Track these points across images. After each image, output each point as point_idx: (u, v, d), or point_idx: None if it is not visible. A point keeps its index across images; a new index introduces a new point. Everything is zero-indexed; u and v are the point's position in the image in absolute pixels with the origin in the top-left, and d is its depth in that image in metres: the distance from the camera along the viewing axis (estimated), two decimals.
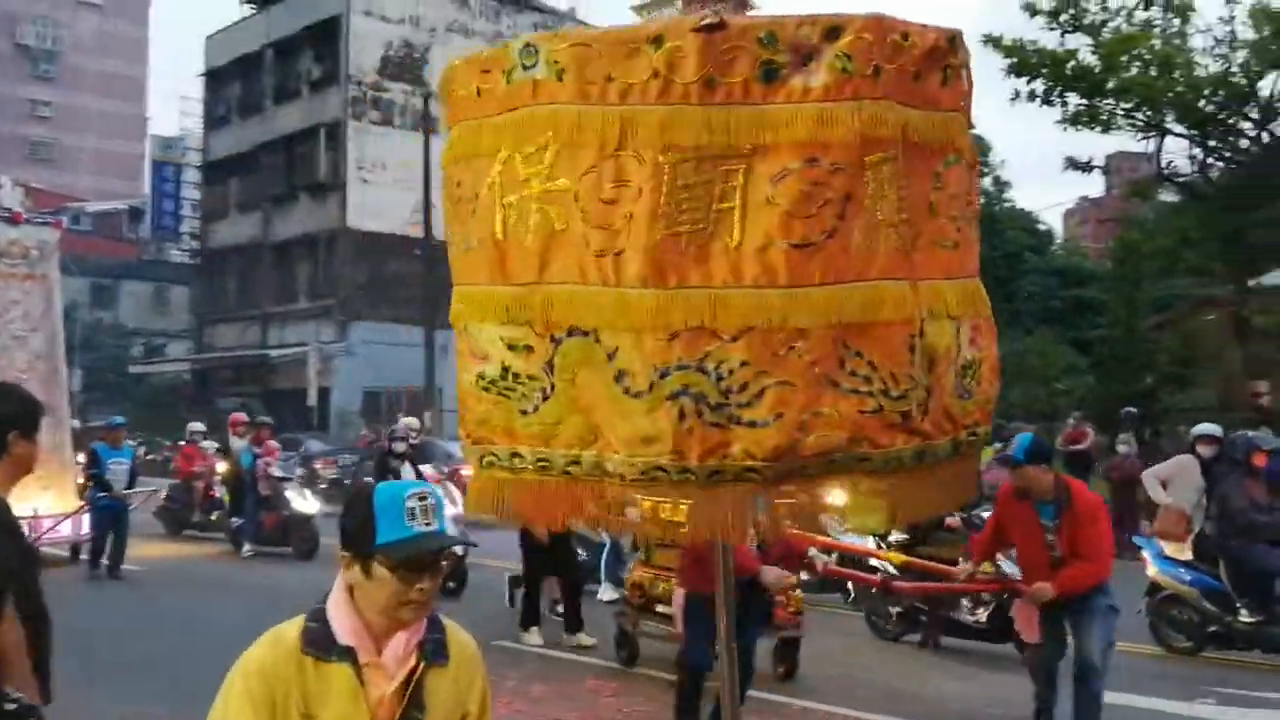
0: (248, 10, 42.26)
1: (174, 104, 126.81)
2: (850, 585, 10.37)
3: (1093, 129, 21.36)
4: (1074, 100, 21.02)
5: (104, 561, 12.89)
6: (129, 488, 13.29)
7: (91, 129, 62.35)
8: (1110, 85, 20.20)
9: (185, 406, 40.48)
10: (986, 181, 33.28)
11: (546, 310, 2.75)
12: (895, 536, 9.39)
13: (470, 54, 3.01)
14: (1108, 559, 6.05)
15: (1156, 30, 21.13)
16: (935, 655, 8.99)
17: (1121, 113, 21.09)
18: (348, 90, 36.74)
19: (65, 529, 12.88)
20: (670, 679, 7.03)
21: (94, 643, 8.99)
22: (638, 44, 2.63)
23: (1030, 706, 6.53)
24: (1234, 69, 20.27)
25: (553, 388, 2.77)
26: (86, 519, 13.01)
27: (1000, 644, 8.43)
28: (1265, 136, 20.91)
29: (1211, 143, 21.48)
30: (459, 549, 10.38)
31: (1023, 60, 20.88)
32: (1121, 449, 16.73)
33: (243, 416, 16.86)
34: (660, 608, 7.83)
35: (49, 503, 12.74)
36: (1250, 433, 9.65)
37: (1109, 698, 6.26)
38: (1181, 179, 23.01)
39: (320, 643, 2.22)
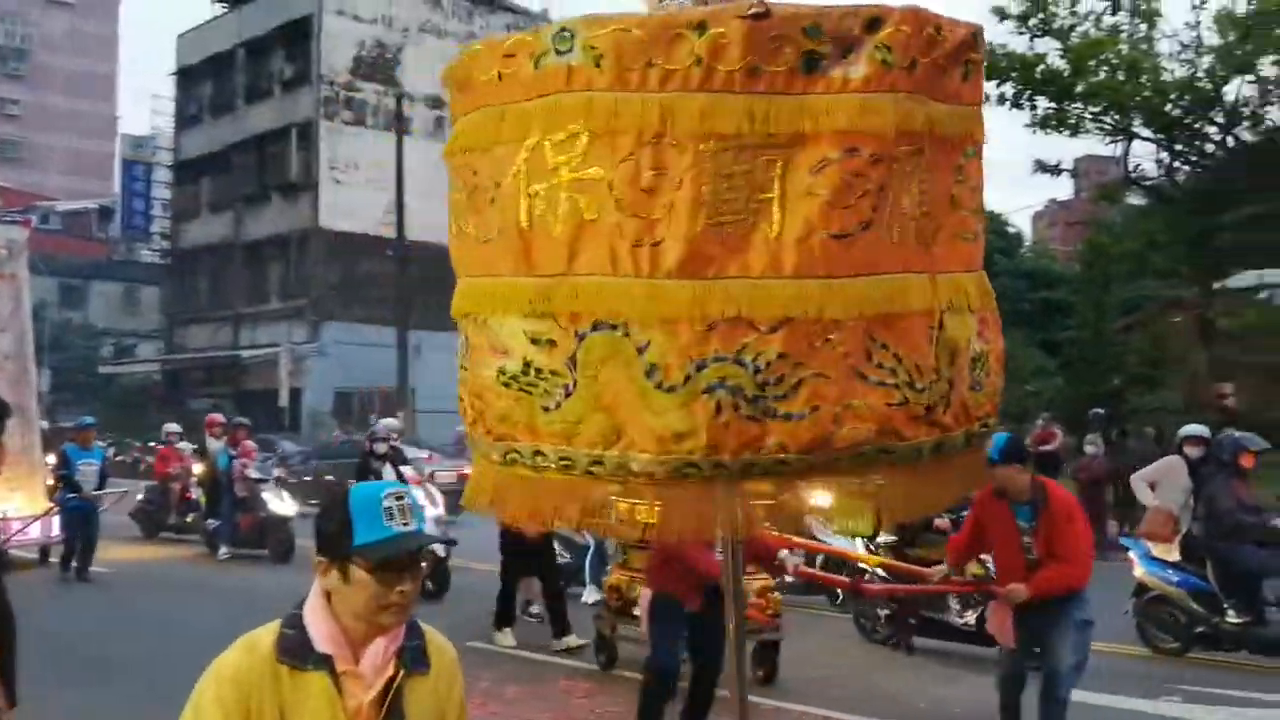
0: (219, 9, 42.02)
1: (145, 103, 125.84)
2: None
3: (1061, 132, 21.57)
4: (1043, 104, 21.21)
5: (74, 564, 12.77)
6: (99, 489, 13.15)
7: (61, 128, 61.72)
8: (1079, 89, 20.40)
9: (156, 407, 40.21)
10: None
11: (573, 302, 2.67)
12: (883, 538, 9.32)
13: (490, 39, 2.92)
14: (1086, 560, 5.90)
15: (1124, 35, 21.36)
16: (923, 658, 8.89)
17: (1090, 116, 21.31)
18: (320, 90, 36.57)
19: (35, 531, 12.79)
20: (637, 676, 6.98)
21: (65, 646, 8.95)
22: (681, 30, 2.58)
23: None
24: (1200, 74, 20.52)
25: (575, 384, 2.70)
26: (56, 521, 12.91)
27: (988, 647, 8.38)
28: (1230, 141, 21.19)
29: (1178, 147, 21.74)
30: (440, 550, 10.38)
31: (992, 64, 21.04)
32: (1089, 450, 16.89)
33: (219, 417, 16.70)
34: (638, 611, 7.82)
35: (18, 505, 12.67)
36: (1237, 433, 9.55)
37: (1089, 698, 6.22)
38: (1149, 182, 23.28)
39: (296, 650, 2.15)
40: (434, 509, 11.87)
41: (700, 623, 5.95)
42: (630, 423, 2.67)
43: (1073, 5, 20.83)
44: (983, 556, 7.09)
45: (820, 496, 2.89)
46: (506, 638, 9.21)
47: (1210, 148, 21.66)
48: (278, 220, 37.67)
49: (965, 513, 8.85)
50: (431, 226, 36.12)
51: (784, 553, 6.55)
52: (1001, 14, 21.20)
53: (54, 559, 13.37)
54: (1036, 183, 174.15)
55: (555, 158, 2.68)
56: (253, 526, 14.54)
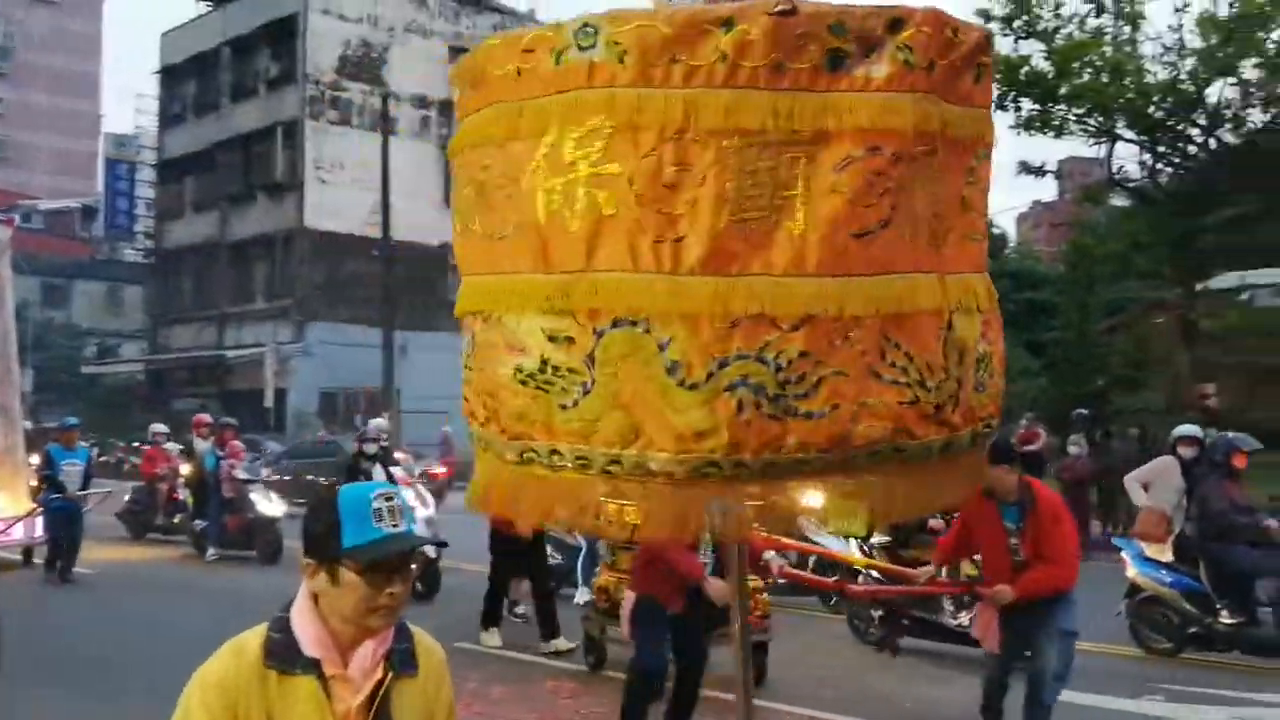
0: (204, 7, 41.89)
1: (129, 102, 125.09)
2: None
3: (1045, 134, 21.64)
4: (1027, 105, 21.28)
5: (59, 565, 12.70)
6: (83, 489, 13.09)
7: (44, 126, 61.33)
8: (1063, 91, 20.48)
9: (139, 408, 40.05)
10: None
11: (592, 299, 2.65)
12: (877, 539, 9.26)
13: (508, 34, 2.89)
14: (1073, 562, 5.86)
15: (1108, 37, 21.45)
16: (916, 659, 8.83)
17: (1074, 118, 21.38)
18: (305, 89, 36.50)
19: (18, 532, 12.70)
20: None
21: (49, 648, 8.91)
22: (707, 26, 2.57)
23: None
24: (1182, 76, 20.62)
25: (593, 382, 2.67)
26: (40, 522, 12.84)
27: (981, 648, 8.36)
28: (1212, 143, 21.31)
29: (1161, 149, 21.84)
30: (430, 551, 10.33)
31: None
32: (1073, 450, 16.98)
33: (206, 418, 16.60)
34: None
35: (1, 505, 12.60)
36: (1230, 434, 9.54)
37: (1082, 699, 6.19)
38: (1132, 184, 23.38)
39: (283, 654, 2.12)
40: (424, 510, 11.85)
41: (683, 624, 5.94)
42: (649, 421, 2.65)
43: (1057, 8, 20.92)
44: (977, 557, 6.99)
45: (813, 497, 2.86)
46: (493, 638, 9.20)
47: (1193, 150, 21.78)
48: (263, 220, 37.57)
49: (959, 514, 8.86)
50: (417, 227, 36.23)
51: (769, 554, 6.56)
52: (986, 16, 21.26)
53: (38, 560, 13.30)
54: (1021, 184, 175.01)
55: (574, 153, 2.66)
56: (240, 527, 14.48)
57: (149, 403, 39.45)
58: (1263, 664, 8.73)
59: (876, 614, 9.18)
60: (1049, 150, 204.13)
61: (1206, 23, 20.16)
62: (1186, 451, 10.19)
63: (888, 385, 2.68)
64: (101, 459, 32.37)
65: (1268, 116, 20.96)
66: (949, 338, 2.79)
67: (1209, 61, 20.09)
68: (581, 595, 10.56)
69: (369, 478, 11.21)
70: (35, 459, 13.70)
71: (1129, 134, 21.62)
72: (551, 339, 2.71)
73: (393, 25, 38.20)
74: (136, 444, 32.87)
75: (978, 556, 6.85)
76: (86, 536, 13.13)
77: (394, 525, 2.14)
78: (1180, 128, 21.34)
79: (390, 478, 11.60)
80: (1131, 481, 10.48)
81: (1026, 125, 21.51)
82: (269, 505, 14.53)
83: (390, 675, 2.17)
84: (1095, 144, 22.72)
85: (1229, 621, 8.81)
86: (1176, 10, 21.21)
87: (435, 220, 38.05)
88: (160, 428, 17.82)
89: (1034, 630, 5.87)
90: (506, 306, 2.83)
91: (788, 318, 2.59)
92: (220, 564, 14.18)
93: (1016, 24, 21.06)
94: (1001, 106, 21.41)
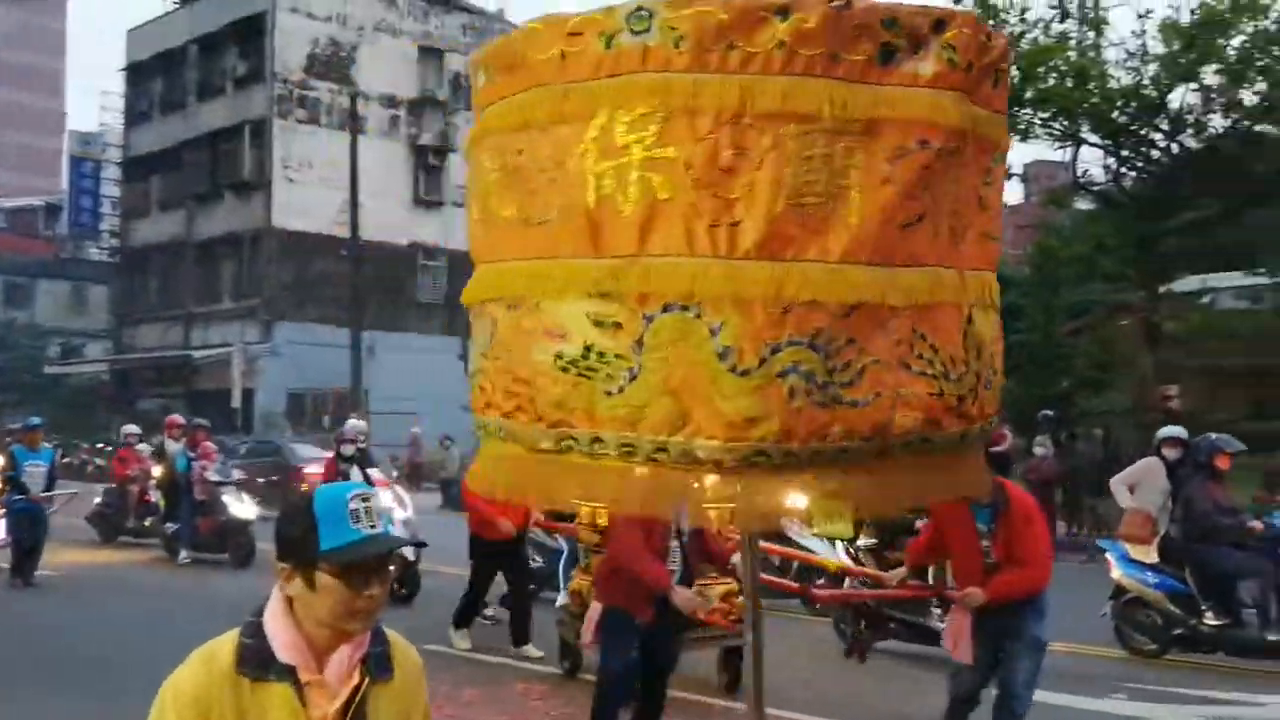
0: (171, 5, 41.52)
1: (93, 99, 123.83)
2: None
3: (1011, 137, 21.81)
4: None
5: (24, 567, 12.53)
6: (47, 490, 12.93)
7: (7, 123, 60.66)
8: (1028, 95, 20.66)
9: (104, 408, 39.67)
10: None
11: (643, 283, 2.62)
12: (863, 541, 9.18)
13: (550, 17, 2.83)
14: (1045, 563, 5.70)
15: (1072, 43, 21.67)
16: (898, 662, 8.73)
17: (1039, 122, 21.58)
18: (274, 88, 36.28)
19: None
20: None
21: (14, 652, 8.83)
22: (763, 13, 2.58)
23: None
24: (1145, 82, 20.85)
25: (641, 368, 2.62)
26: (2, 524, 12.69)
27: None
28: (1175, 148, 21.58)
29: (1124, 153, 22.08)
30: (409, 553, 10.28)
31: None
32: (1039, 451, 17.17)
33: (179, 419, 16.41)
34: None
35: None
36: (1214, 435, 9.52)
37: (1070, 700, 6.14)
38: (1096, 187, 23.63)
39: (257, 661, 2.07)
40: (403, 511, 11.76)
41: (653, 631, 5.80)
42: (699, 408, 2.61)
43: (1022, 13, 21.11)
44: None
45: (797, 497, 2.85)
46: (463, 640, 9.17)
47: (1156, 154, 22.05)
48: (230, 219, 37.31)
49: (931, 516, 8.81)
50: (386, 226, 36.12)
51: (736, 557, 6.44)
52: None
53: (2, 564, 13.13)
54: None
55: (626, 136, 2.63)
56: (213, 530, 14.31)
57: (114, 403, 39.11)
58: (1246, 665, 8.77)
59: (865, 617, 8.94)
60: (1015, 154, 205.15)
61: (1169, 29, 20.41)
62: (1171, 453, 10.14)
63: (916, 376, 2.71)
64: (65, 460, 32.02)
65: (1228, 122, 21.24)
66: (969, 332, 2.84)
67: (1171, 67, 20.35)
68: (563, 599, 10.50)
69: (346, 479, 11.08)
70: None
71: (1093, 138, 21.85)
72: (597, 324, 2.67)
73: (362, 24, 38.03)
74: (101, 445, 32.57)
75: None
76: (54, 539, 12.98)
77: (371, 526, 2.10)
78: (1143, 132, 21.59)
79: (368, 479, 11.49)
80: (1117, 484, 10.46)
81: None
82: (241, 508, 14.37)
83: (367, 680, 2.14)
84: (1060, 148, 22.95)
85: (1213, 623, 8.83)
86: (1139, 16, 21.61)
87: (404, 220, 37.99)
88: (132, 429, 17.63)
89: (1008, 637, 5.71)
90: (545, 292, 2.78)
91: (840, 306, 2.61)
92: (192, 567, 14.05)
93: None
94: None
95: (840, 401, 2.62)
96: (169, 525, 14.83)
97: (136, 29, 42.51)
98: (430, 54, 39.51)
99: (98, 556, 15.24)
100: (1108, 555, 9.66)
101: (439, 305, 38.65)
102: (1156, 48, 20.85)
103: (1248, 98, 20.53)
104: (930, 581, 7.67)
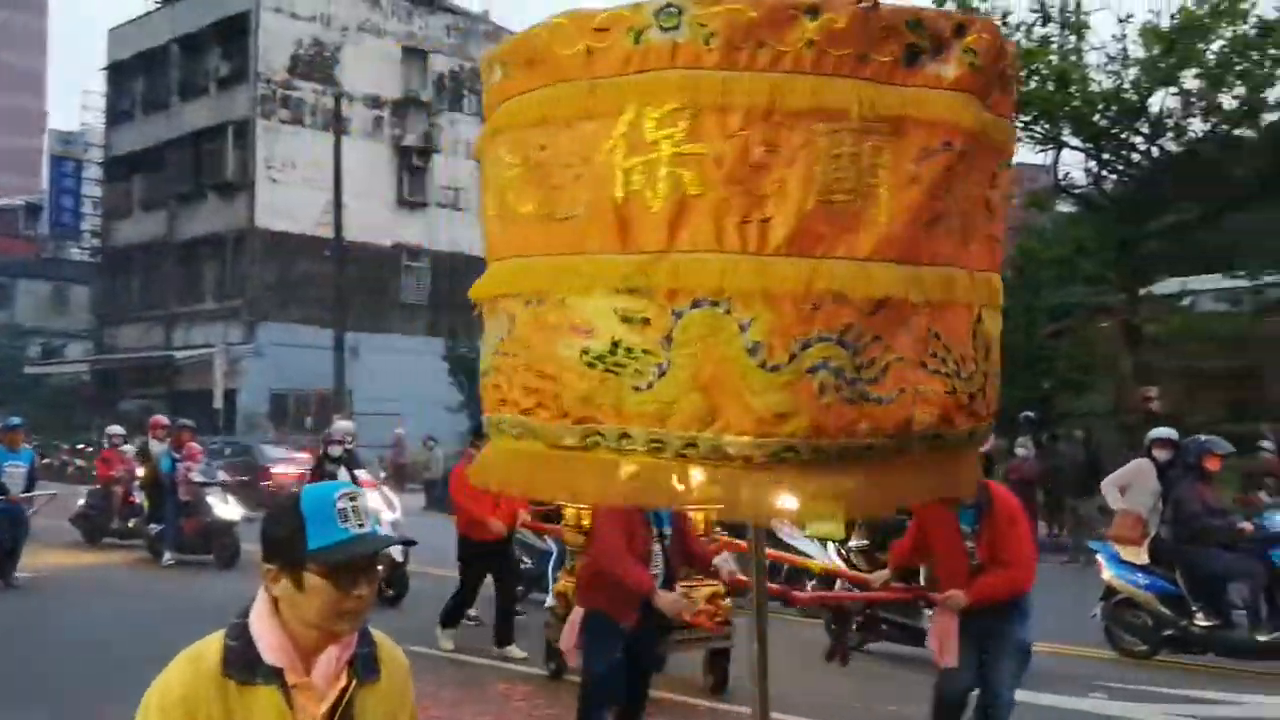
0: (152, 4, 41.35)
1: (74, 98, 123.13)
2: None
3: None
4: None
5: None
6: (27, 491, 12.88)
7: None
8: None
9: (85, 408, 39.45)
10: None
11: (672, 279, 2.62)
12: (855, 543, 9.12)
13: (574, 12, 2.83)
14: (1029, 564, 5.67)
15: (1054, 46, 21.80)
16: (891, 665, 8.68)
17: (1021, 125, 21.71)
18: (257, 88, 36.17)
19: None
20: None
21: None
22: (793, 12, 2.61)
23: None
24: (1126, 86, 21.00)
25: (670, 363, 2.63)
26: None
27: None
28: (1155, 151, 21.74)
29: (1105, 156, 22.23)
30: (398, 555, 10.26)
31: None
32: (1020, 452, 17.27)
33: (163, 419, 16.29)
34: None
35: None
36: (1203, 436, 9.61)
37: (1060, 701, 6.15)
38: (1077, 190, 23.79)
39: (243, 664, 2.05)
40: (391, 513, 11.74)
41: (637, 634, 5.74)
42: (729, 403, 2.62)
43: (1004, 17, 21.23)
44: None
45: (788, 499, 2.82)
46: (448, 640, 9.18)
47: (1136, 157, 22.20)
48: (213, 219, 37.18)
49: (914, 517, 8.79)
50: (369, 227, 36.07)
51: (718, 559, 6.35)
52: None
53: None
54: None
55: (656, 132, 2.64)
56: (197, 531, 14.25)
57: (94, 404, 38.90)
58: (1237, 666, 8.81)
59: (856, 618, 8.82)
60: None
61: (1149, 33, 20.57)
62: (1161, 454, 10.17)
63: (932, 374, 2.74)
64: (45, 461, 31.84)
65: (1208, 126, 21.41)
66: (978, 331, 2.88)
67: (1151, 71, 20.50)
68: (550, 600, 10.49)
69: (334, 480, 11.03)
70: None
71: (1074, 141, 21.99)
72: (625, 320, 2.67)
73: (346, 24, 37.95)
74: (81, 446, 32.39)
75: None
76: (38, 541, 12.91)
77: (360, 525, 2.09)
78: (1124, 136, 21.74)
79: (355, 481, 11.45)
80: (1109, 485, 10.49)
81: None
82: (226, 509, 14.30)
83: (354, 682, 2.12)
84: (1042, 151, 23.10)
85: (1204, 624, 8.88)
86: (1120, 21, 21.63)
87: (387, 221, 37.93)
88: (117, 429, 17.50)
89: (991, 640, 5.64)
90: (570, 287, 2.77)
91: (867, 301, 2.64)
92: (176, 569, 13.98)
93: None
94: None
95: (867, 398, 2.64)
96: (153, 526, 14.75)
97: (118, 28, 42.33)
98: (414, 55, 39.47)
99: (82, 558, 15.17)
100: (1098, 556, 9.68)
101: (423, 306, 38.61)
102: (1137, 52, 21.00)
103: (1227, 102, 20.69)
104: (924, 583, 7.66)
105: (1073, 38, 21.83)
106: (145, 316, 39.36)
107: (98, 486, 16.94)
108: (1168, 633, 9.11)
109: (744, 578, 7.75)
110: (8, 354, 43.81)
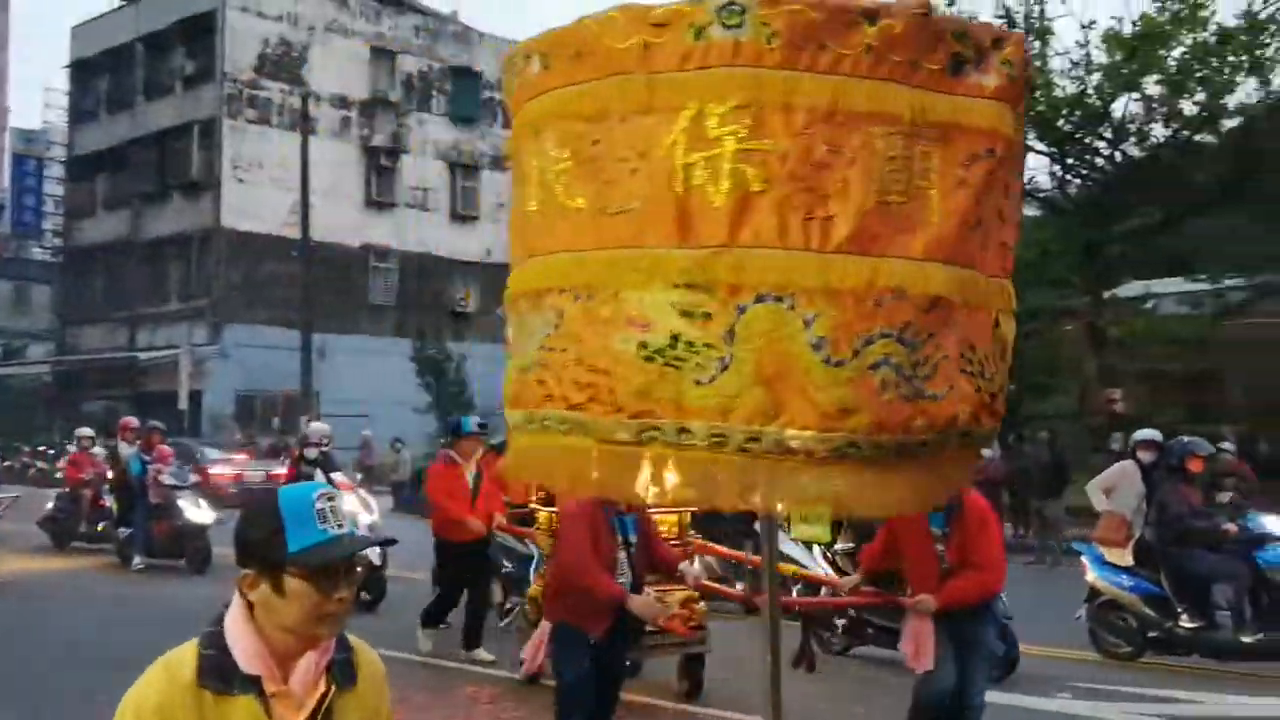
0: (117, 1, 40.91)
1: (36, 95, 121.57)
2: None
3: None
4: None
5: None
6: None
7: None
8: None
9: (46, 410, 38.99)
10: None
11: (736, 274, 2.64)
12: (841, 545, 9.10)
13: (626, 5, 2.81)
14: (1000, 566, 5.65)
15: None
16: (872, 669, 8.63)
17: None
18: (223, 87, 35.88)
19: None
20: (549, 683, 6.53)
21: None
22: (854, 17, 2.66)
23: None
24: (1089, 91, 21.26)
25: (733, 358, 2.64)
26: None
27: None
28: (1118, 156, 22.00)
29: (1069, 160, 22.49)
30: (375, 558, 10.18)
31: None
32: (986, 453, 17.33)
33: (133, 421, 15.94)
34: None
35: None
36: (1186, 438, 9.59)
37: (1043, 704, 6.15)
38: (1043, 194, 24.01)
39: (219, 673, 2.00)
40: (368, 515, 11.65)
41: (605, 643, 5.60)
42: (793, 398, 2.64)
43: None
44: None
45: (849, 493, 2.83)
46: (426, 641, 9.10)
47: (1099, 162, 22.46)
48: (178, 219, 36.84)
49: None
50: (337, 227, 35.87)
51: (684, 564, 6.30)
52: None
53: None
54: None
55: (719, 129, 2.66)
56: (168, 535, 13.98)
57: (56, 405, 38.46)
58: (1221, 667, 8.84)
59: (839, 621, 8.88)
60: None
61: (1112, 40, 20.83)
62: (1145, 455, 10.18)
63: (963, 374, 2.81)
64: (6, 464, 31.49)
65: (1169, 131, 21.70)
66: (996, 334, 2.95)
67: (1114, 77, 20.76)
68: (523, 603, 10.44)
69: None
70: None
71: (1039, 145, 22.20)
72: (685, 314, 2.67)
73: (313, 24, 37.72)
74: (43, 448, 32.02)
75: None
76: (3, 545, 12.74)
77: (339, 526, 2.05)
78: (1088, 140, 22.00)
79: (331, 483, 11.35)
80: (1093, 488, 10.52)
81: None
82: (198, 512, 14.03)
83: (333, 689, 2.08)
84: None
85: (1188, 625, 8.88)
86: (1083, 27, 21.96)
87: (355, 221, 37.72)
88: (86, 431, 17.19)
89: (964, 644, 5.61)
90: (626, 281, 2.76)
91: (924, 298, 2.70)
92: (146, 573, 13.75)
93: None
94: None
95: (922, 395, 2.70)
96: (123, 530, 14.47)
97: (81, 25, 41.86)
98: (382, 55, 39.29)
99: (50, 563, 14.92)
100: (1083, 558, 9.67)
101: (390, 307, 38.43)
102: (1100, 58, 21.27)
103: (1188, 108, 20.99)
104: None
105: (1036, 43, 22.05)
106: (109, 317, 38.92)
107: (66, 490, 16.61)
108: (1152, 634, 9.11)
109: (708, 582, 7.74)
110: None
